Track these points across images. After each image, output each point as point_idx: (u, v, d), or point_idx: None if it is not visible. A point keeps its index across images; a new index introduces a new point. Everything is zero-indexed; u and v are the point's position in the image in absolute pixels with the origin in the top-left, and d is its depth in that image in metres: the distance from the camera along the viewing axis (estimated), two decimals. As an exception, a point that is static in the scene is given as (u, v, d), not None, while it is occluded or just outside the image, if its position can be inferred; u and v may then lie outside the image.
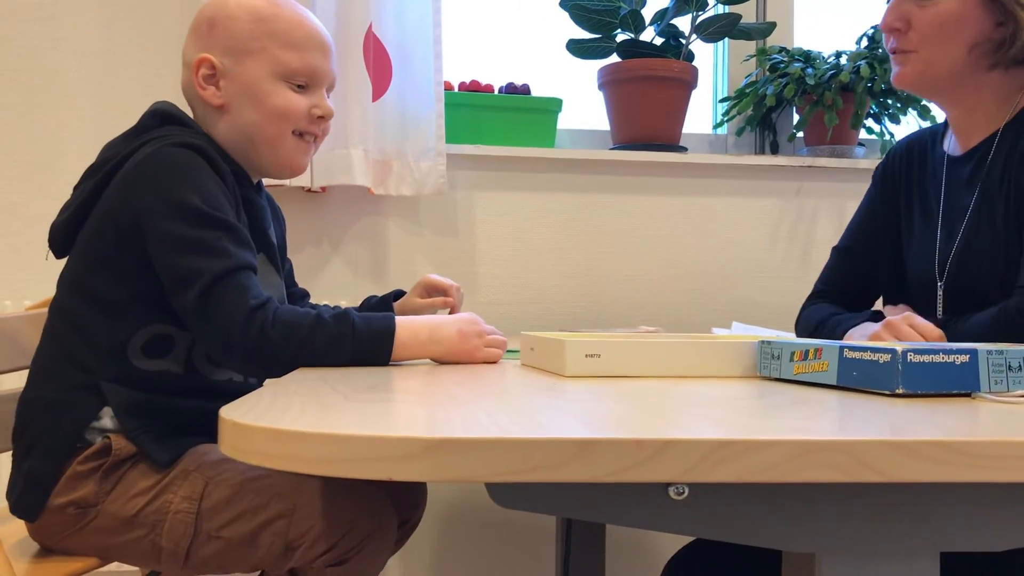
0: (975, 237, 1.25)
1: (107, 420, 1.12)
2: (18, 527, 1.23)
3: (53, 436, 1.10)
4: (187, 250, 1.06)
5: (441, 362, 1.12)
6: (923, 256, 1.33)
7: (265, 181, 1.77)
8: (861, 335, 1.25)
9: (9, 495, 1.13)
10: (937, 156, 1.36)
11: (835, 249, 1.47)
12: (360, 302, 1.47)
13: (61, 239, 1.18)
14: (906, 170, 1.40)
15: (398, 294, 1.42)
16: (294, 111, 1.20)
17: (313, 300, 1.46)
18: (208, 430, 1.15)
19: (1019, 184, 1.20)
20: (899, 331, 1.15)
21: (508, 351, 1.28)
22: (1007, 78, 1.24)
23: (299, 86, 1.21)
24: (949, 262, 1.28)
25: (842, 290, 1.45)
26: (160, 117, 1.19)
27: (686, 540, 2.03)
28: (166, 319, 1.13)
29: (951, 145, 1.34)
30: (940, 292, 1.29)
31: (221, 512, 1.09)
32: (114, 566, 1.32)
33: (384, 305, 1.39)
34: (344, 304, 1.44)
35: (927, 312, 1.27)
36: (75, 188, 1.19)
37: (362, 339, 1.06)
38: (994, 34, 1.20)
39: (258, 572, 1.14)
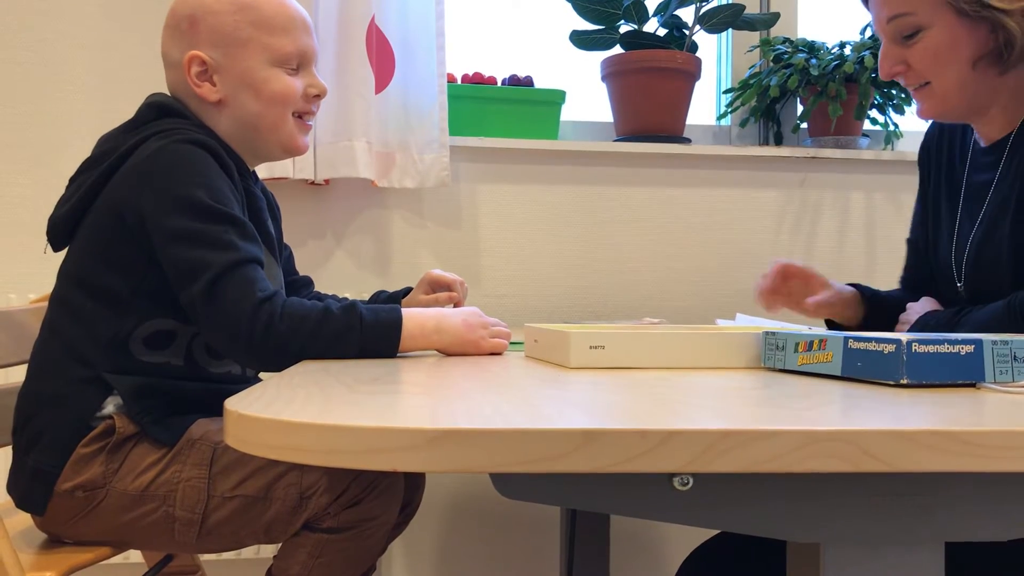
0: (988, 236, 1.25)
1: (110, 408, 1.12)
2: (23, 518, 1.24)
3: (57, 429, 1.11)
4: (193, 244, 1.06)
5: (447, 353, 1.12)
6: (944, 249, 1.33)
7: (269, 174, 1.78)
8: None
9: (12, 489, 1.14)
10: (967, 144, 1.36)
11: (906, 241, 1.48)
12: (363, 295, 1.47)
13: (60, 232, 1.18)
14: (937, 152, 1.41)
15: (407, 291, 1.42)
16: (292, 94, 1.22)
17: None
18: (209, 409, 1.16)
19: None
20: None
21: (512, 343, 1.28)
22: (1019, 74, 1.23)
23: (291, 68, 1.22)
24: (965, 258, 1.28)
25: (913, 281, 1.45)
26: (157, 109, 1.19)
27: (692, 532, 2.03)
28: (169, 313, 1.13)
29: (977, 136, 1.34)
30: (960, 288, 1.29)
31: (233, 473, 1.10)
32: (120, 557, 1.32)
33: (393, 301, 1.39)
34: (349, 297, 1.44)
35: (948, 305, 1.28)
36: (72, 181, 1.19)
37: (369, 331, 1.07)
38: (990, 43, 1.20)
39: (266, 546, 1.14)
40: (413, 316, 1.10)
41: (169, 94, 1.24)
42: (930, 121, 1.41)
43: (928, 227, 1.40)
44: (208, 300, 1.04)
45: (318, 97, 1.25)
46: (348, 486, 1.09)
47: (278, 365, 1.05)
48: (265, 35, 1.19)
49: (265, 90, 1.20)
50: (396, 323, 1.08)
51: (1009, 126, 1.27)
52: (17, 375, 1.59)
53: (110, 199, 1.13)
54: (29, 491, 1.11)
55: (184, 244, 1.06)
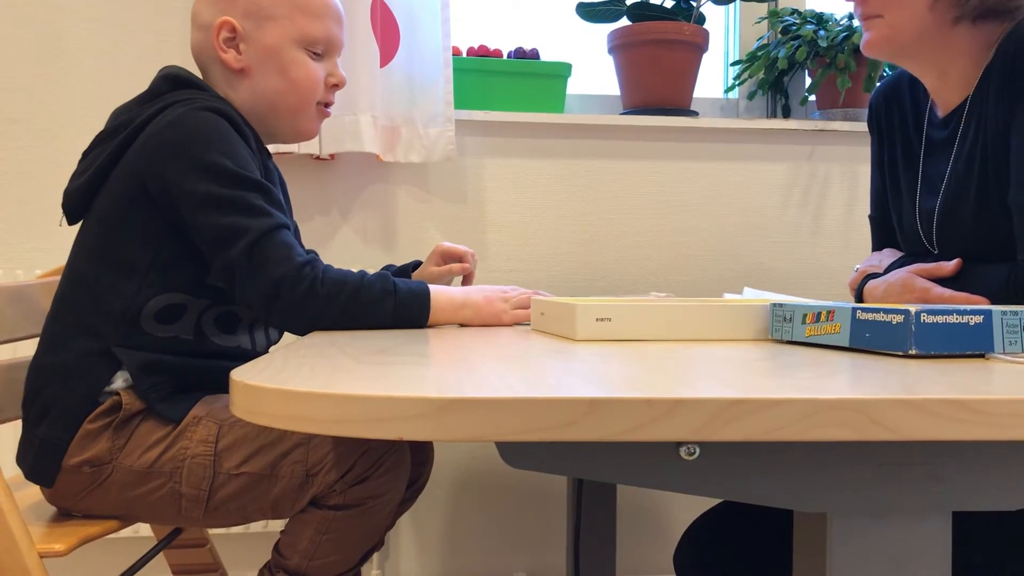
0: (954, 207, 1.24)
1: (120, 383, 1.13)
2: (32, 492, 1.25)
3: (67, 402, 1.11)
4: (226, 210, 1.08)
5: (468, 326, 1.17)
6: (908, 219, 1.33)
7: (274, 148, 1.77)
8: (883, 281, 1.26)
9: (22, 461, 1.14)
10: (921, 108, 1.34)
11: (869, 218, 1.47)
12: (370, 270, 1.46)
13: (76, 205, 1.18)
14: (887, 119, 1.39)
15: (416, 264, 1.42)
16: (316, 83, 1.24)
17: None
18: (216, 386, 1.17)
19: (995, 150, 1.18)
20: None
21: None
22: (975, 33, 1.21)
23: (315, 54, 1.23)
24: (935, 229, 1.27)
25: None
26: (172, 81, 1.19)
27: (698, 502, 2.04)
28: (181, 287, 1.14)
29: (933, 105, 1.32)
30: (936, 255, 1.28)
31: (239, 450, 1.11)
32: (129, 530, 1.33)
33: (402, 274, 1.39)
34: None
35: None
36: (85, 154, 1.19)
37: (403, 300, 1.11)
38: None
39: (274, 520, 1.15)
40: (440, 290, 1.16)
41: (195, 57, 1.25)
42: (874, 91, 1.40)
43: (888, 198, 1.38)
44: (247, 263, 1.07)
45: (336, 87, 1.28)
46: (354, 463, 1.09)
47: (311, 328, 1.09)
48: (299, 15, 1.21)
49: (290, 70, 1.22)
50: (426, 294, 1.13)
51: (963, 92, 1.24)
52: (25, 350, 1.59)
53: (129, 169, 1.13)
54: (38, 463, 1.12)
55: (216, 210, 1.08)
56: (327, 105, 1.28)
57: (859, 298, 1.33)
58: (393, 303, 1.11)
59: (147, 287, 1.13)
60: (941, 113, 1.29)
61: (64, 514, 1.17)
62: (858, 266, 1.39)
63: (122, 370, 1.13)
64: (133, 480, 1.11)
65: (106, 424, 1.11)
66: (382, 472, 1.11)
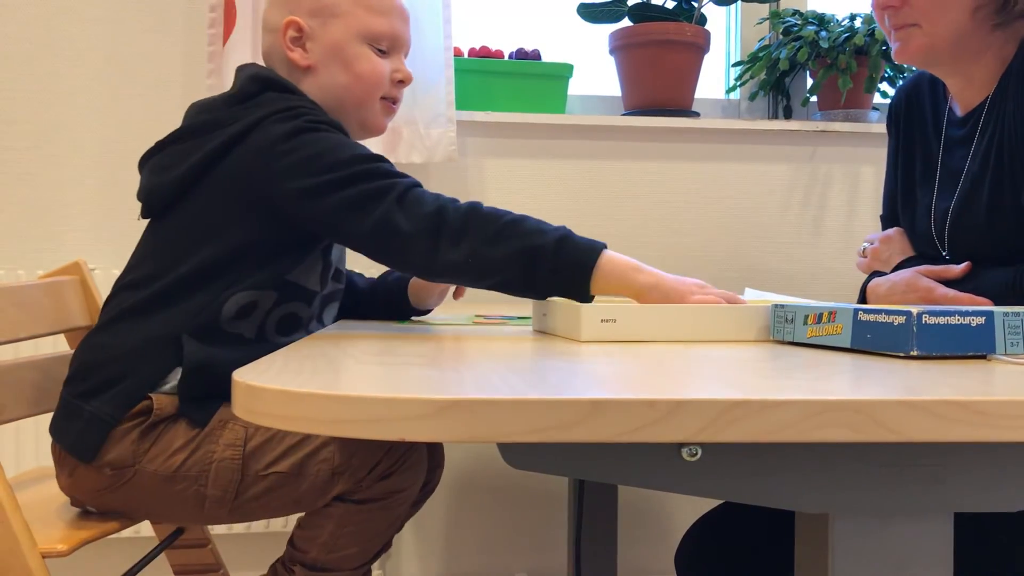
0: (967, 206, 1.23)
1: (173, 382, 1.12)
2: (34, 492, 1.25)
3: (126, 384, 1.10)
4: (353, 181, 1.07)
5: (643, 301, 1.04)
6: (922, 224, 1.32)
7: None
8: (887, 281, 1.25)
9: (63, 436, 1.13)
10: (940, 109, 1.33)
11: (880, 218, 1.45)
12: (373, 273, 1.46)
13: (161, 201, 1.17)
14: (907, 122, 1.38)
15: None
16: (381, 77, 1.23)
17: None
18: None
19: (1011, 149, 1.17)
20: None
21: (520, 317, 1.27)
22: (1008, 36, 1.19)
23: (380, 50, 1.24)
24: (947, 229, 1.26)
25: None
26: (261, 83, 1.19)
27: (699, 503, 2.04)
28: (257, 286, 1.13)
29: (953, 104, 1.31)
30: (946, 257, 1.27)
31: (267, 452, 1.10)
32: (130, 530, 1.33)
33: (397, 287, 1.37)
34: (364, 276, 1.44)
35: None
36: (162, 145, 1.17)
37: (571, 237, 1.06)
38: None
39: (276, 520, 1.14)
40: (610, 252, 1.06)
41: (265, 61, 1.25)
42: (896, 88, 1.38)
43: (899, 201, 1.37)
44: (400, 208, 1.06)
45: (402, 83, 1.27)
46: (380, 459, 1.10)
47: (476, 257, 1.06)
48: (363, 12, 1.22)
49: (354, 65, 1.22)
50: (596, 247, 1.05)
51: (987, 89, 1.23)
52: (26, 349, 1.60)
53: (232, 176, 1.12)
54: (83, 437, 1.10)
55: (345, 186, 1.07)
56: (394, 102, 1.27)
57: (862, 296, 1.33)
58: (558, 234, 1.05)
59: (226, 288, 1.12)
60: (961, 112, 1.28)
61: (77, 506, 1.17)
62: (866, 242, 1.37)
63: (182, 365, 1.12)
64: (156, 485, 1.10)
65: (134, 426, 1.10)
66: (406, 467, 1.12)
